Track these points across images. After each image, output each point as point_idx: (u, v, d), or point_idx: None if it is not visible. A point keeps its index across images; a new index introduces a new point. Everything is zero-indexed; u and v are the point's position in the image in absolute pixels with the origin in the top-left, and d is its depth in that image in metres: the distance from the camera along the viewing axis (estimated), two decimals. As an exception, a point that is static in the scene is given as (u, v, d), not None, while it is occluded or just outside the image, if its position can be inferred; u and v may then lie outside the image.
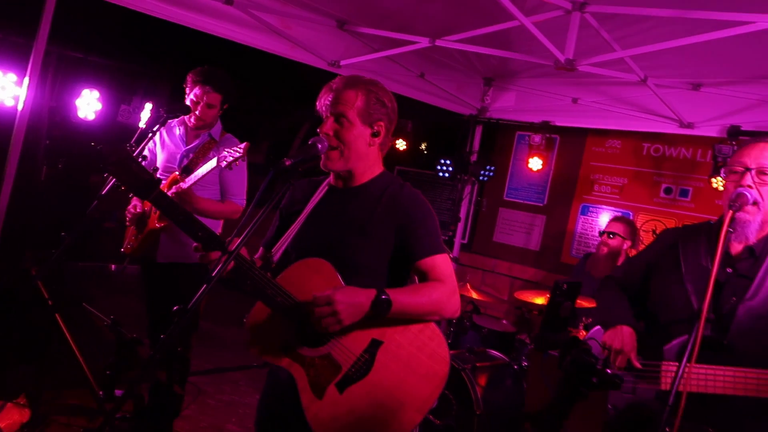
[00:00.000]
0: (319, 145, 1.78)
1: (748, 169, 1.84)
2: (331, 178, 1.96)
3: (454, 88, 4.91)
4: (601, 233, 3.97)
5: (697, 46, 2.77)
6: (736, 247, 1.91)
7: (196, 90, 3.03)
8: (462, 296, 4.10)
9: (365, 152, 1.86)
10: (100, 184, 1.96)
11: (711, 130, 3.97)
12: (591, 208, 5.61)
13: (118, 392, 1.43)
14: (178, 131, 3.20)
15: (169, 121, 3.15)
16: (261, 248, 2.06)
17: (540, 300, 3.91)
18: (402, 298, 1.73)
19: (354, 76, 1.85)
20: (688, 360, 1.52)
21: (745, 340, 1.77)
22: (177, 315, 1.42)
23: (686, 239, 2.04)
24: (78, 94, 3.23)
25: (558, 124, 4.83)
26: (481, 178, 5.24)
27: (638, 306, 2.10)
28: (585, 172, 5.64)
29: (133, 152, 2.50)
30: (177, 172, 3.02)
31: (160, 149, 3.23)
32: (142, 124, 3.35)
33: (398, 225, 1.82)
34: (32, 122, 3.08)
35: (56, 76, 4.54)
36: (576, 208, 5.70)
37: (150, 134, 2.93)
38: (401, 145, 5.64)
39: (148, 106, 3.51)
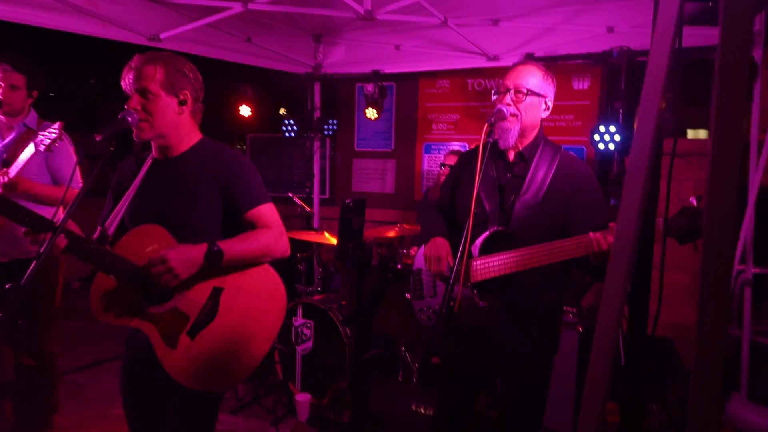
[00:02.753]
0: (129, 118, 1.89)
1: (508, 90, 2.24)
2: (154, 152, 2.08)
3: (284, 49, 5.03)
4: (442, 165, 4.45)
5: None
6: (511, 155, 2.32)
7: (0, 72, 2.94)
8: (322, 245, 4.38)
9: (176, 121, 2.00)
10: None
11: (512, 60, 4.47)
12: (433, 146, 6.07)
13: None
14: None
15: None
16: (99, 227, 2.15)
17: (391, 233, 4.29)
18: (232, 246, 1.92)
19: (151, 53, 1.97)
20: (462, 252, 1.88)
21: (523, 226, 2.19)
22: (11, 291, 1.52)
23: (477, 156, 2.41)
24: None
25: (386, 71, 5.15)
26: (325, 132, 5.46)
27: (454, 221, 2.46)
28: (422, 113, 6.07)
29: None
30: None
31: None
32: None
33: (222, 184, 1.99)
34: None
35: None
36: (420, 148, 6.14)
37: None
38: (246, 111, 5.69)
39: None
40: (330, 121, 5.39)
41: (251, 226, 2.02)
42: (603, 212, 2.17)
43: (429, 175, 6.09)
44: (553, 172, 2.22)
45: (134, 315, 1.93)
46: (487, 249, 2.21)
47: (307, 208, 4.60)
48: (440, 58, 4.79)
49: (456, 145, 5.87)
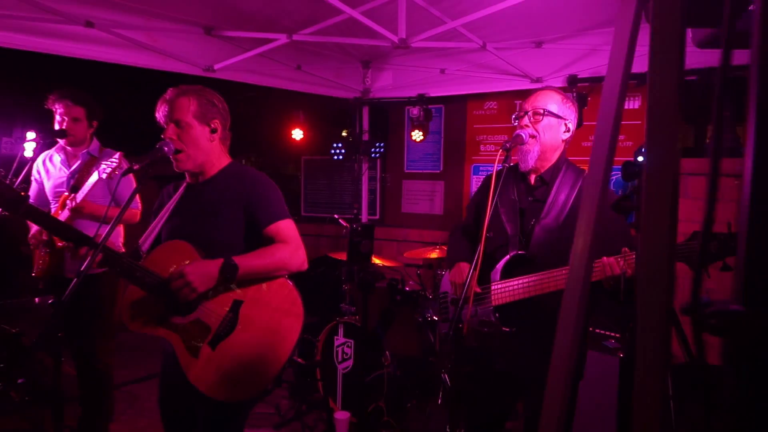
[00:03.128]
0: (165, 148, 2.06)
1: (526, 113, 2.28)
2: (188, 177, 2.24)
3: (333, 75, 5.21)
4: None
5: (533, 8, 3.20)
6: (533, 179, 2.33)
7: (59, 108, 3.24)
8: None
9: (208, 148, 2.15)
10: None
11: (556, 82, 4.46)
12: (481, 168, 6.08)
13: (20, 380, 1.68)
14: (59, 158, 3.39)
15: (48, 150, 3.35)
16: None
17: (433, 254, 4.32)
18: (248, 261, 2.03)
19: (183, 86, 2.14)
20: (471, 276, 1.90)
21: (542, 250, 2.19)
22: (53, 307, 1.68)
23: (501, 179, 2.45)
24: (-45, 134, 3.35)
25: (432, 94, 5.23)
26: (372, 155, 5.59)
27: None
28: (471, 134, 6.11)
29: (8, 179, 2.67)
30: (66, 193, 3.22)
31: (47, 179, 3.42)
32: (28, 153, 3.50)
33: (245, 203, 2.12)
34: None
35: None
36: (468, 170, 6.17)
37: (29, 162, 3.12)
38: (298, 134, 5.90)
39: (31, 135, 3.66)
40: (377, 144, 5.51)
41: (270, 241, 2.13)
42: (625, 237, 2.15)
43: (477, 196, 6.09)
44: (574, 195, 2.22)
45: (160, 325, 2.07)
46: (508, 272, 2.23)
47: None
48: (484, 81, 4.83)
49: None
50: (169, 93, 2.11)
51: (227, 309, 2.06)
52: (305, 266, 2.14)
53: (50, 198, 3.39)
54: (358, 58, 5.28)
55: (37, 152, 3.46)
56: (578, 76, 4.26)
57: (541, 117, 2.25)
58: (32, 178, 3.45)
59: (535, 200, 2.29)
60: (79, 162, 3.34)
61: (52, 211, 3.31)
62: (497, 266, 2.29)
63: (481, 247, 1.94)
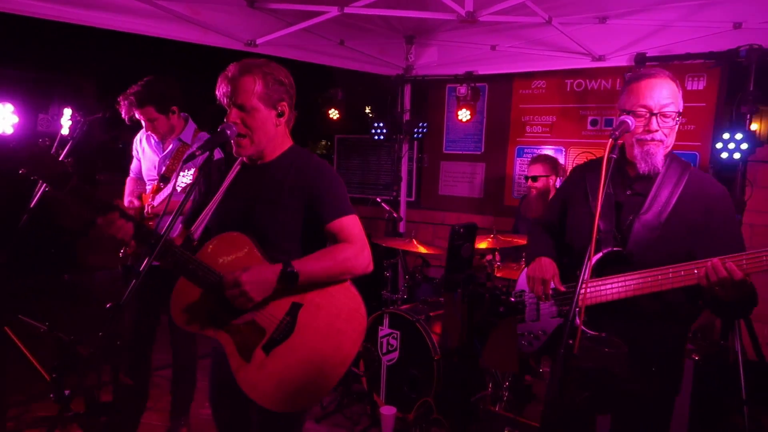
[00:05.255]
0: (228, 131, 1.84)
1: (652, 114, 1.92)
2: (245, 158, 2.02)
3: (376, 51, 4.95)
4: (526, 178, 4.21)
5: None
6: (632, 170, 2.08)
7: (133, 113, 3.06)
8: (409, 252, 4.25)
9: (274, 133, 1.94)
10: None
11: (621, 60, 4.16)
12: (526, 150, 5.80)
13: (66, 392, 1.52)
14: (153, 140, 3.24)
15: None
16: (180, 226, 2.13)
17: (483, 245, 4.09)
18: (308, 266, 1.83)
19: (247, 62, 1.90)
20: (581, 283, 1.67)
21: (641, 249, 1.95)
22: (111, 311, 1.49)
23: (591, 172, 2.19)
24: (-11, 110, 3.16)
25: (480, 72, 4.95)
26: (415, 135, 5.34)
27: (561, 242, 2.26)
28: (516, 115, 5.81)
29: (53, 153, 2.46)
30: (157, 179, 3.13)
31: (143, 158, 3.30)
32: (64, 131, 3.30)
33: (306, 193, 1.91)
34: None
35: (-37, 95, 4.40)
36: (512, 152, 5.88)
37: (71, 141, 2.93)
38: (334, 114, 5.67)
39: (68, 112, 3.45)
40: (420, 124, 5.25)
41: (332, 237, 1.93)
42: (736, 241, 1.90)
43: (520, 179, 5.81)
44: (679, 191, 1.97)
45: (211, 323, 1.88)
46: (599, 271, 2.01)
47: (395, 214, 4.49)
48: (539, 59, 4.54)
49: (549, 149, 5.57)
50: (231, 69, 1.87)
51: (285, 312, 1.86)
52: (371, 268, 1.92)
53: (145, 179, 3.28)
54: (402, 32, 5.01)
55: (72, 130, 3.27)
56: (647, 55, 3.95)
57: (674, 121, 1.94)
58: (133, 155, 3.36)
59: (635, 194, 2.04)
60: (171, 147, 3.18)
61: (146, 193, 3.22)
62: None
63: (592, 247, 1.68)
